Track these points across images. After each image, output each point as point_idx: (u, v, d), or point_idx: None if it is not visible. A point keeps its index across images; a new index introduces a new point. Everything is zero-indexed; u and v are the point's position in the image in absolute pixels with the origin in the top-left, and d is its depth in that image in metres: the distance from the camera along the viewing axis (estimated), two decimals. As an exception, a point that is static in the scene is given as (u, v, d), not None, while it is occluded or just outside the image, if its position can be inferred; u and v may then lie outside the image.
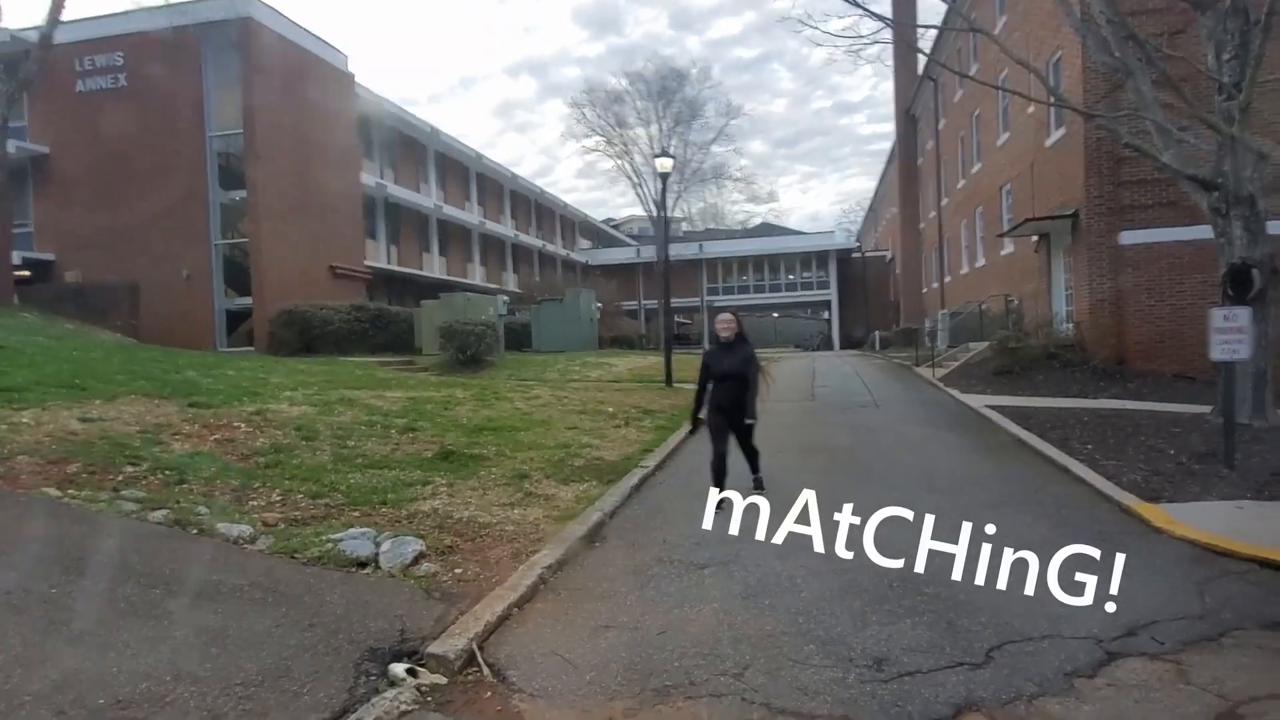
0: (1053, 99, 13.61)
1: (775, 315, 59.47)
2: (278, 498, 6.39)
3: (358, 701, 3.51)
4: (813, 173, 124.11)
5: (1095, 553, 5.64)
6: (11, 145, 21.37)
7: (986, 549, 5.75)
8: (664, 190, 20.96)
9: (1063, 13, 12.17)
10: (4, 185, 19.67)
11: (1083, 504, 7.21)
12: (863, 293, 49.08)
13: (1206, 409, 11.19)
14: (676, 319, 44.73)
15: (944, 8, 16.05)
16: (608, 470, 8.41)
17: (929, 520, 6.56)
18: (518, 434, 9.92)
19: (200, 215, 24.55)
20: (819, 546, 5.89)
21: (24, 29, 23.75)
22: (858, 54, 17.11)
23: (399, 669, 3.81)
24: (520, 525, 6.24)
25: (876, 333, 38.88)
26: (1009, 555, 5.58)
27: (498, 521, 6.28)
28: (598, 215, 64.82)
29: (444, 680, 3.83)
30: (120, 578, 4.47)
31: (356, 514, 6.16)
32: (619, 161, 42.93)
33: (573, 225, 56.83)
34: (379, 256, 31.95)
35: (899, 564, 5.42)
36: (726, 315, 7.43)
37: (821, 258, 51.47)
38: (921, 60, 31.17)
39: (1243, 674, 3.76)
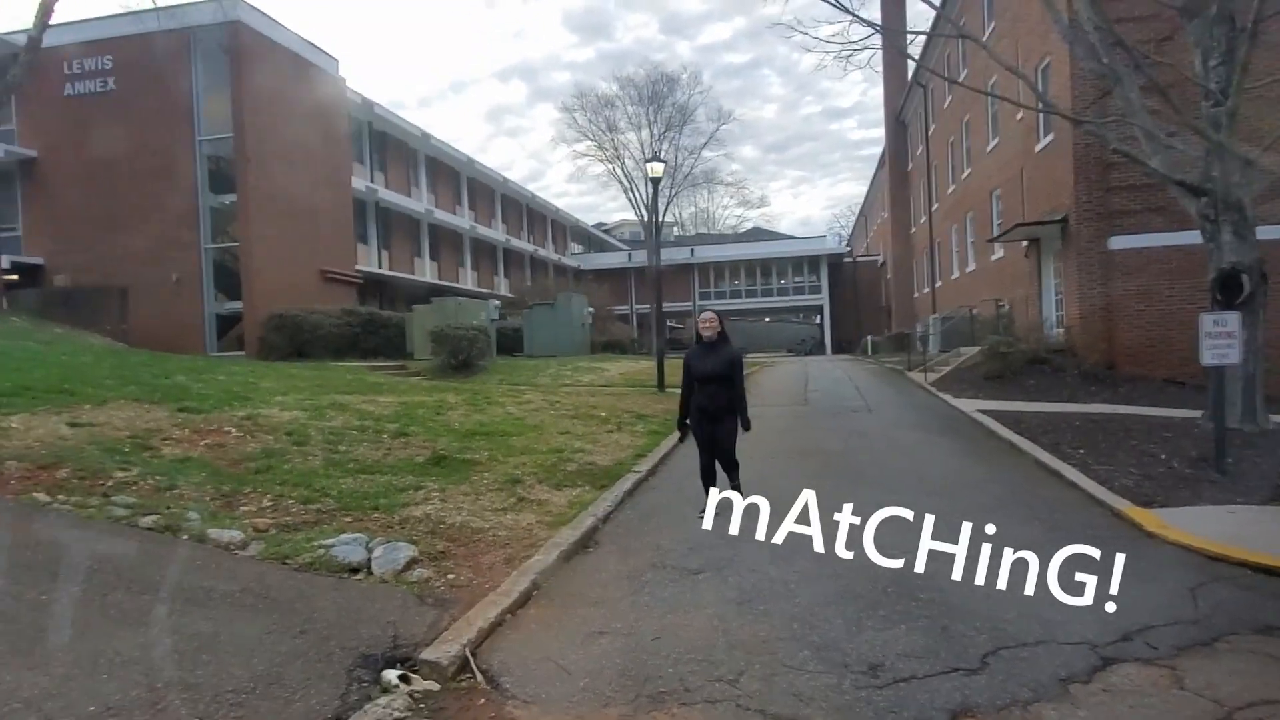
0: (1041, 105, 13.71)
1: (767, 320, 59.56)
2: (269, 503, 6.35)
3: (350, 708, 3.48)
4: (803, 177, 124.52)
5: (1089, 557, 5.66)
6: (0, 149, 21.23)
7: (980, 554, 5.76)
8: (655, 195, 20.98)
9: (1051, 19, 12.24)
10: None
11: (1075, 509, 7.23)
12: (854, 297, 49.25)
13: (1197, 414, 11.25)
14: (668, 323, 44.74)
15: (934, 14, 16.09)
16: (600, 475, 8.39)
17: (923, 525, 6.58)
18: (510, 439, 9.89)
19: (190, 219, 24.42)
20: (813, 552, 5.89)
21: (12, 32, 23.62)
22: (848, 60, 17.30)
23: (392, 675, 3.78)
24: (513, 530, 6.22)
25: (868, 337, 38.97)
26: (1003, 560, 5.59)
27: (490, 527, 6.26)
28: (589, 220, 64.92)
29: (437, 687, 3.80)
30: (111, 584, 4.43)
31: (348, 519, 6.12)
32: (610, 166, 42.91)
33: (564, 230, 56.86)
34: (370, 261, 31.87)
35: (893, 569, 5.42)
36: (709, 314, 7.14)
37: (813, 262, 51.60)
38: (911, 66, 31.32)
39: (1237, 679, 3.77)
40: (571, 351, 26.97)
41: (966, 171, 26.57)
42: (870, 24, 13.82)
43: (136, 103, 24.44)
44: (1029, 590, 4.97)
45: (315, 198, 26.78)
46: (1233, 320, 8.28)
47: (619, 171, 42.28)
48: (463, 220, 39.85)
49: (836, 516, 6.73)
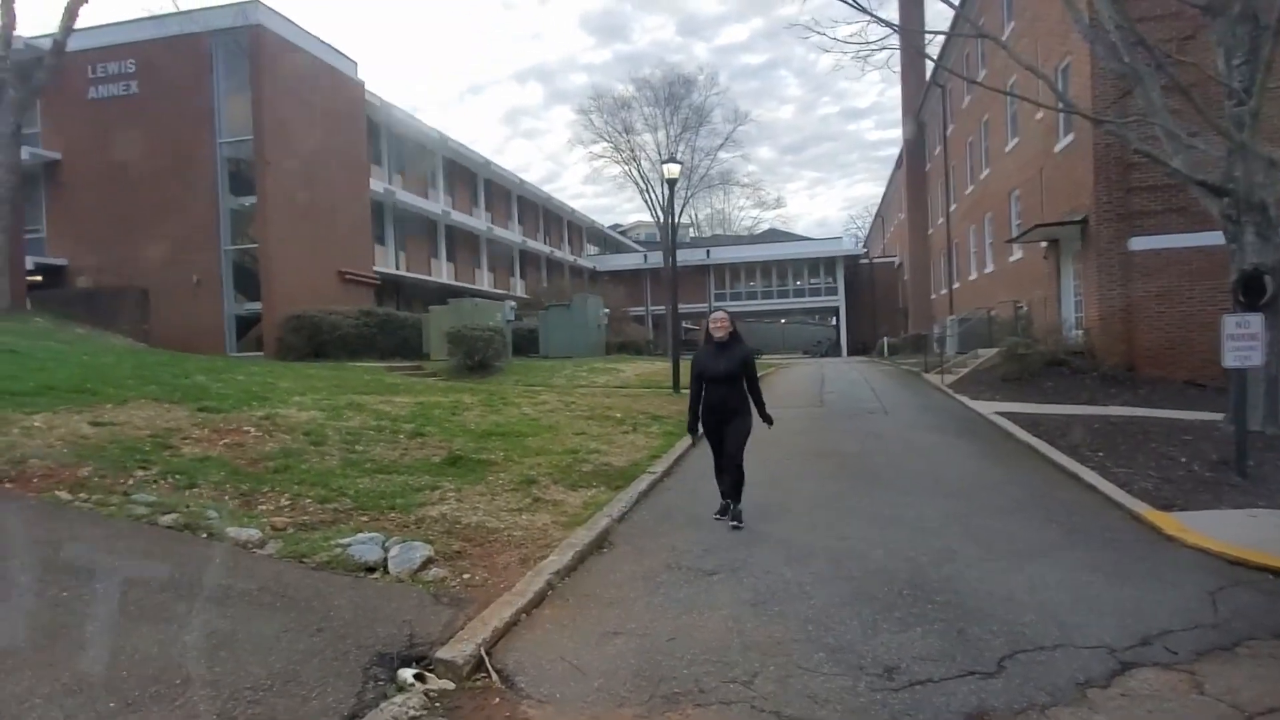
0: (1062, 105, 13.59)
1: (783, 321, 59.41)
2: (286, 502, 6.40)
3: (366, 706, 3.50)
4: (820, 178, 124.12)
5: (1107, 560, 5.63)
6: (25, 152, 21.56)
7: (998, 556, 5.74)
8: (671, 196, 20.97)
9: (1071, 19, 12.14)
10: (17, 191, 19.80)
11: (1093, 511, 7.17)
12: (871, 299, 49.04)
13: (1218, 416, 11.13)
14: (684, 324, 44.72)
15: (952, 13, 16.00)
16: (616, 476, 8.41)
17: (939, 527, 6.56)
18: (525, 439, 9.92)
19: (210, 221, 24.66)
20: (828, 553, 5.88)
21: (38, 36, 23.94)
22: (865, 60, 17.20)
23: (407, 674, 3.80)
24: (528, 531, 6.24)
25: (884, 339, 38.79)
26: (1020, 562, 5.57)
27: (506, 527, 6.28)
28: (605, 221, 64.95)
29: (452, 686, 3.82)
30: (130, 581, 4.48)
31: (365, 519, 6.16)
32: (626, 167, 42.82)
33: (580, 231, 56.95)
34: (387, 262, 32.05)
35: (909, 571, 5.40)
36: (720, 314, 6.94)
37: (829, 263, 51.42)
38: (929, 66, 31.15)
39: (1257, 684, 3.73)
40: (587, 353, 27.01)
41: (985, 172, 26.40)
42: (888, 24, 13.77)
43: (158, 106, 24.72)
44: (1046, 593, 4.94)
45: (334, 199, 26.98)
46: (1256, 322, 8.18)
47: (635, 173, 42.25)
48: (479, 222, 40.01)
49: (846, 523, 6.76)
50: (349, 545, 5.33)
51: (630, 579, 5.40)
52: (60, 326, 18.06)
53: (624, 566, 5.68)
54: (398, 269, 32.82)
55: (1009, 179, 23.17)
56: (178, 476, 6.55)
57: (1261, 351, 8.27)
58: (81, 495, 5.81)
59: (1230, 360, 8.25)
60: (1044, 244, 19.52)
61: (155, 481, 6.39)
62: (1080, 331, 17.43)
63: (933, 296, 37.64)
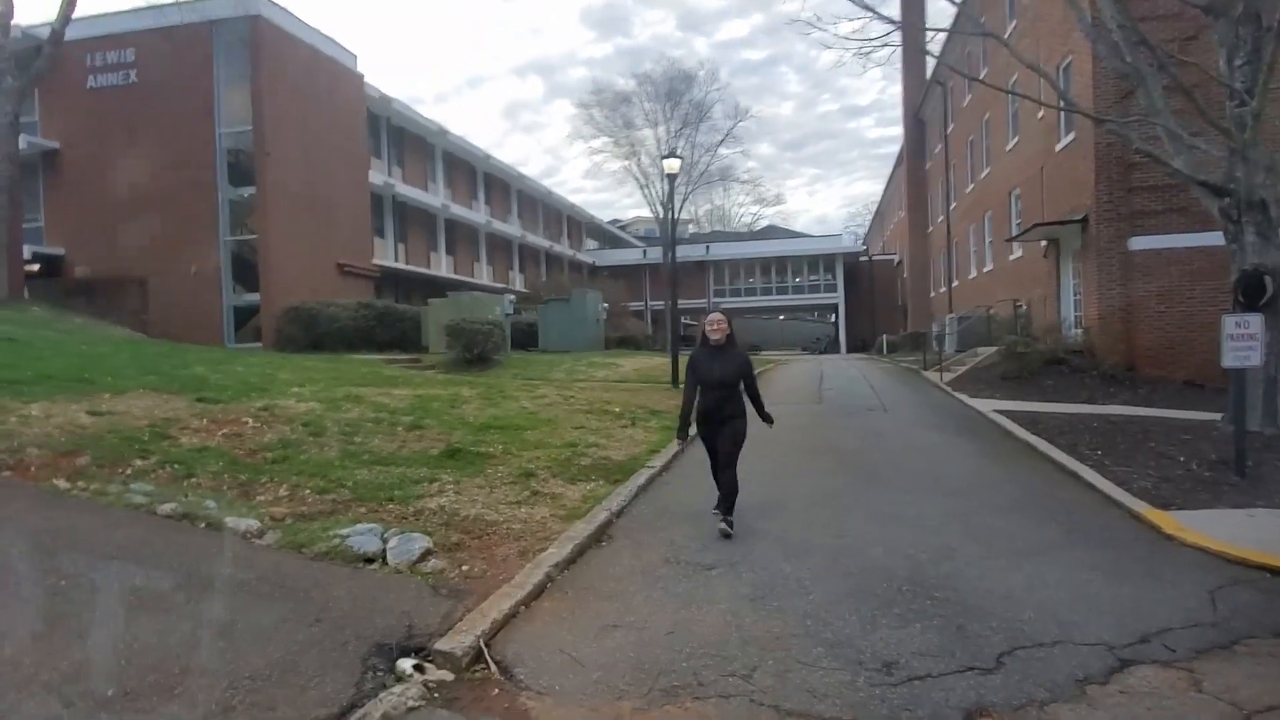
0: (1063, 103, 13.58)
1: (781, 318, 59.43)
2: (285, 493, 6.39)
3: (365, 696, 3.50)
4: (820, 176, 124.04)
5: (1106, 559, 5.63)
6: (23, 141, 21.45)
7: (997, 553, 5.74)
8: (671, 192, 20.96)
9: (1074, 17, 12.12)
10: (15, 180, 19.73)
11: (1092, 510, 7.18)
12: (870, 296, 49.02)
13: (1217, 416, 11.14)
14: (683, 320, 44.71)
15: (954, 10, 15.98)
16: (614, 470, 8.40)
17: (938, 524, 6.57)
18: (524, 433, 9.91)
19: (209, 212, 24.58)
20: (827, 549, 5.88)
21: (36, 25, 23.85)
22: (866, 57, 17.12)
23: (406, 665, 3.80)
24: (527, 523, 6.23)
25: (883, 336, 38.80)
26: (1019, 560, 5.57)
27: (504, 519, 6.27)
28: (604, 216, 64.89)
29: (451, 677, 3.82)
30: (129, 570, 4.47)
31: (363, 510, 6.15)
32: (626, 163, 42.84)
33: (579, 226, 56.87)
34: (386, 255, 31.99)
35: (908, 567, 5.40)
36: (717, 315, 6.66)
37: (828, 261, 51.39)
38: (930, 64, 31.13)
39: (1256, 683, 3.73)
40: (586, 347, 26.98)
41: (986, 170, 26.39)
42: (890, 20, 13.72)
43: (157, 96, 24.61)
44: (1045, 591, 4.95)
45: (333, 191, 26.91)
46: (1255, 322, 8.18)
47: (635, 168, 42.25)
48: (479, 215, 39.94)
49: (845, 519, 6.75)
50: (348, 536, 5.33)
51: (629, 572, 5.40)
52: (58, 316, 18.03)
53: (623, 560, 5.68)
54: (397, 262, 32.76)
55: (1009, 178, 23.16)
56: (176, 466, 6.55)
57: (1260, 352, 8.27)
58: (79, 484, 5.80)
59: (1229, 360, 8.25)
60: (1044, 243, 19.52)
61: (153, 471, 6.38)
62: (1080, 330, 17.44)
63: (932, 294, 37.64)
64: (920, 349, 26.21)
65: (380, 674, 3.72)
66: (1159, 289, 15.61)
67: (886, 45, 15.02)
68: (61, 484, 5.75)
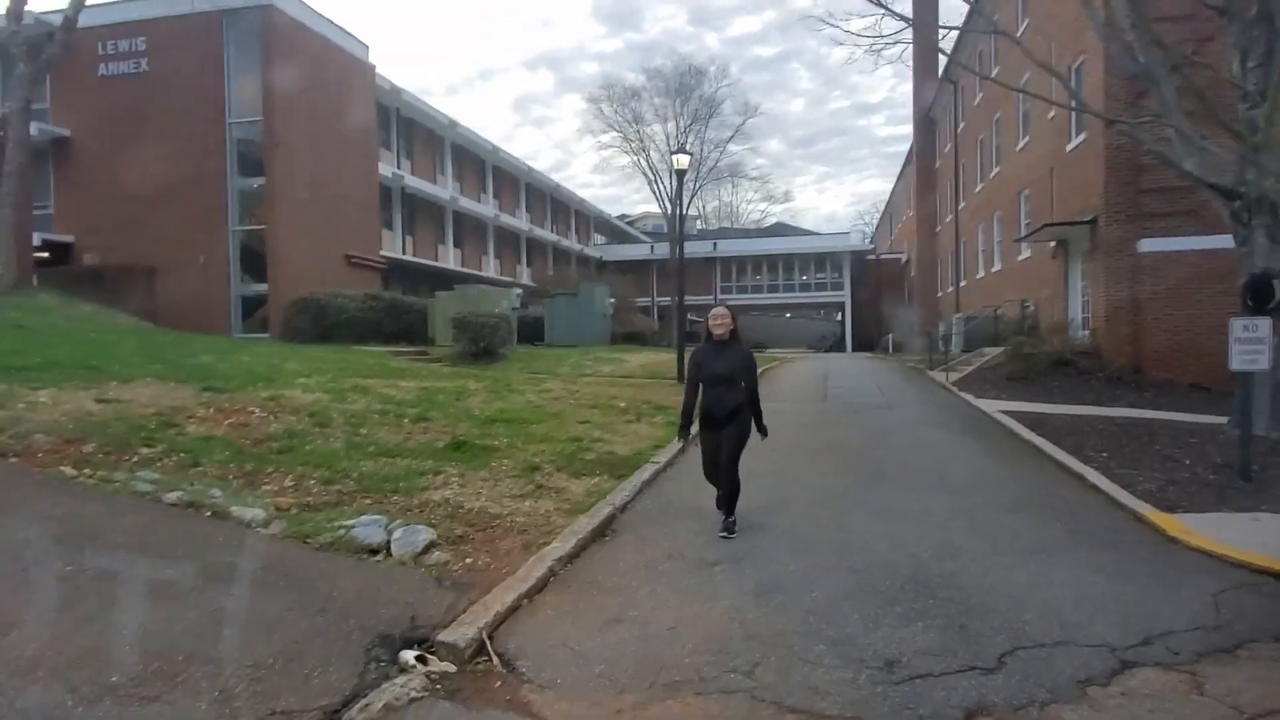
0: (1075, 103, 13.51)
1: (788, 315, 59.29)
2: (290, 483, 6.42)
3: (368, 686, 3.52)
4: (829, 173, 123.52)
5: (1110, 560, 5.63)
6: (34, 127, 21.52)
7: (1000, 553, 5.74)
8: (680, 187, 20.92)
9: (1087, 17, 12.05)
10: (26, 167, 19.80)
11: (1097, 511, 7.16)
12: (877, 295, 48.90)
13: (1223, 420, 11.10)
14: (689, 316, 44.69)
15: (965, 9, 15.91)
16: (619, 465, 8.41)
17: (942, 523, 6.56)
18: (529, 426, 9.92)
19: (218, 201, 24.64)
20: (831, 546, 5.88)
21: (49, 12, 23.91)
22: (878, 54, 16.96)
23: (409, 656, 3.82)
24: (531, 517, 6.25)
25: (890, 335, 38.70)
26: (1023, 560, 5.57)
27: (509, 513, 6.29)
28: (613, 211, 64.86)
29: (453, 668, 3.83)
30: (135, 557, 4.50)
31: (368, 501, 6.18)
32: (635, 158, 42.86)
33: (588, 221, 56.86)
34: (394, 246, 32.04)
35: (912, 566, 5.40)
36: (721, 309, 6.48)
37: (836, 259, 51.31)
38: (942, 62, 30.99)
39: (1258, 686, 3.73)
40: (592, 342, 26.99)
41: (995, 170, 26.29)
42: (902, 18, 13.70)
43: (168, 85, 24.65)
44: (1049, 591, 4.94)
45: (342, 183, 26.95)
46: (1263, 326, 8.15)
47: (644, 163, 42.29)
48: (487, 208, 39.96)
49: (849, 517, 6.75)
50: (352, 527, 5.35)
51: (632, 567, 5.41)
52: (67, 304, 18.10)
53: (626, 555, 5.69)
54: (405, 254, 32.80)
55: (1019, 177, 23.07)
56: (182, 455, 6.58)
57: (1268, 355, 8.24)
58: (86, 471, 5.84)
59: (1237, 363, 8.22)
60: (1052, 244, 19.45)
61: (159, 459, 6.42)
62: (1087, 332, 17.39)
63: (939, 294, 37.54)
64: (927, 348, 26.15)
65: (383, 664, 3.74)
66: (1167, 291, 15.55)
67: (899, 42, 14.98)
68: (68, 471, 5.78)
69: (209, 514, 5.39)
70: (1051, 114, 18.71)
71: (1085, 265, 17.94)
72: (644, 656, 4.00)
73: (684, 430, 6.68)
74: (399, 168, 32.17)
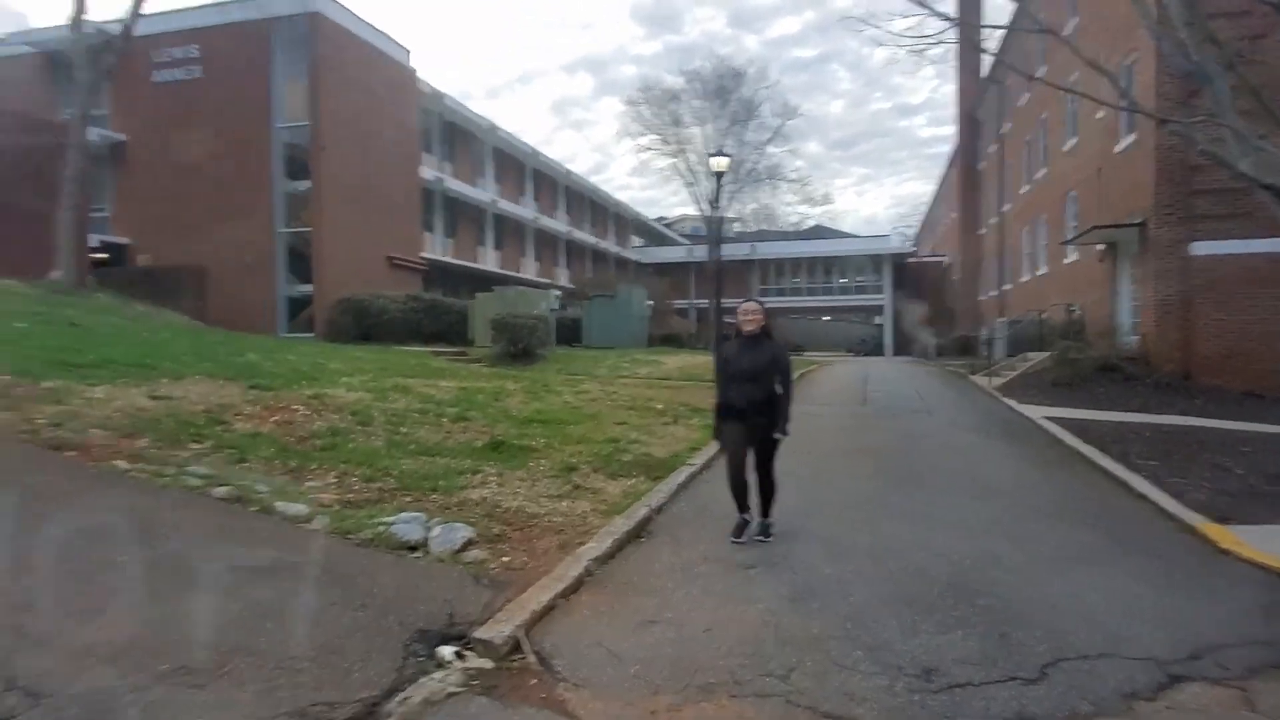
0: (1125, 103, 13.21)
1: (826, 319, 58.83)
2: (333, 479, 6.53)
3: (406, 681, 3.58)
4: (869, 175, 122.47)
5: (1157, 571, 5.49)
6: (94, 133, 22.20)
7: (1043, 561, 5.63)
8: (718, 190, 20.96)
9: (1138, 14, 11.78)
10: (85, 172, 20.39)
11: (1144, 521, 7.00)
12: (918, 298, 48.28)
13: (1277, 429, 10.77)
14: (726, 319, 44.53)
15: (1011, 8, 15.64)
16: (655, 467, 8.43)
17: (982, 530, 6.46)
18: (567, 427, 9.98)
19: (266, 204, 25.22)
20: (868, 551, 5.82)
21: (107, 21, 24.64)
22: (921, 54, 16.77)
23: (447, 651, 3.87)
24: (568, 517, 6.28)
25: (931, 339, 38.16)
26: (1066, 569, 5.46)
27: (546, 512, 6.33)
28: (650, 213, 64.80)
29: (490, 665, 3.87)
30: (183, 549, 4.62)
31: (408, 499, 6.26)
32: (673, 160, 42.68)
33: (626, 223, 56.99)
34: (435, 248, 32.46)
35: (950, 572, 5.33)
36: (752, 304, 6.25)
37: (876, 262, 50.76)
38: (986, 62, 30.51)
39: (1312, 703, 3.61)
40: (629, 344, 27.04)
41: (1041, 171, 25.81)
42: (945, 17, 13.46)
43: (219, 91, 25.31)
44: (1092, 601, 4.84)
45: (385, 186, 27.38)
46: (1323, 332, 7.90)
47: (682, 165, 42.04)
48: (526, 211, 40.27)
49: (886, 521, 6.66)
50: (392, 524, 5.43)
51: (668, 569, 5.41)
52: (122, 303, 18.60)
53: (662, 556, 5.70)
54: (445, 255, 33.21)
55: (1066, 179, 22.62)
56: (229, 451, 6.73)
57: (1328, 363, 7.98)
58: (139, 465, 6.00)
59: (1294, 371, 7.97)
60: (1100, 246, 19.03)
61: (208, 455, 6.57)
62: (1135, 337, 16.98)
63: (981, 298, 36.93)
64: (969, 353, 25.76)
65: (421, 659, 3.80)
66: (1219, 295, 15.12)
67: (941, 43, 14.73)
68: (122, 465, 5.95)
69: (255, 509, 5.50)
70: (1100, 114, 18.31)
71: (1134, 269, 17.53)
72: (679, 658, 4.00)
73: (718, 430, 6.46)
74: (440, 171, 32.60)
